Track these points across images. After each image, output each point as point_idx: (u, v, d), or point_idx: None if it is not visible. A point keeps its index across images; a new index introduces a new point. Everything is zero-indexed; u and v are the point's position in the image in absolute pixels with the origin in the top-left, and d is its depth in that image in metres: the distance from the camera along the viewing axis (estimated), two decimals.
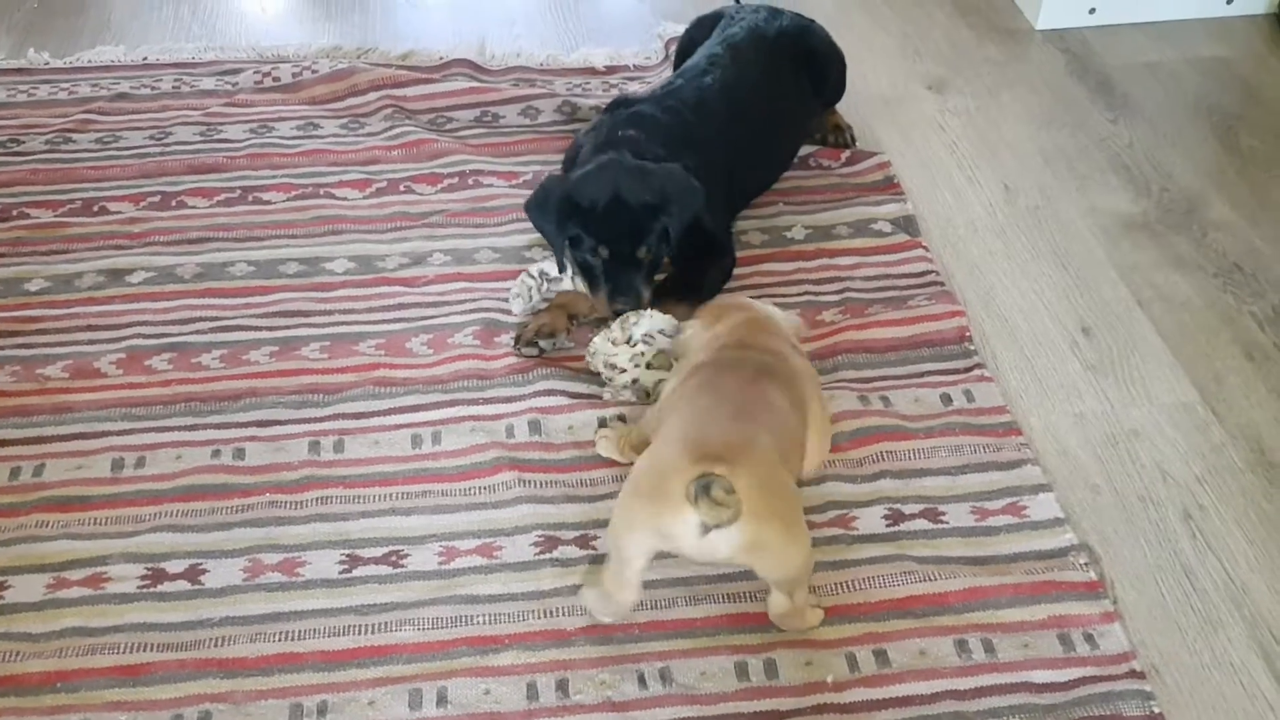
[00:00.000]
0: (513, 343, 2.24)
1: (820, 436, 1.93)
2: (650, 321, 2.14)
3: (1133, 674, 1.73)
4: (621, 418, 2.09)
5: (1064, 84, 3.03)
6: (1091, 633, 1.78)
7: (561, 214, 2.21)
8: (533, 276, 2.30)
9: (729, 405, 1.72)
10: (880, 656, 1.75)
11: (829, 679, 1.72)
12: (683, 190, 2.23)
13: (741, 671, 1.73)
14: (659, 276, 2.30)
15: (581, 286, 2.27)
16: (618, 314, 2.19)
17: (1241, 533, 1.96)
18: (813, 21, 2.72)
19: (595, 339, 2.16)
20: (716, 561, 1.68)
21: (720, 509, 1.52)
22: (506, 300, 2.32)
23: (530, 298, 2.30)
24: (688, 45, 2.73)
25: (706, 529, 1.56)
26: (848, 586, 1.84)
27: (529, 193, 2.53)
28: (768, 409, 1.75)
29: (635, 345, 2.12)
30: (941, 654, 1.76)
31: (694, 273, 2.34)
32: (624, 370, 2.12)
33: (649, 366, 2.11)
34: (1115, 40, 3.19)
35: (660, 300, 2.26)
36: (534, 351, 2.23)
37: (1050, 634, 1.78)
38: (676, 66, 2.75)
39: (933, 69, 3.09)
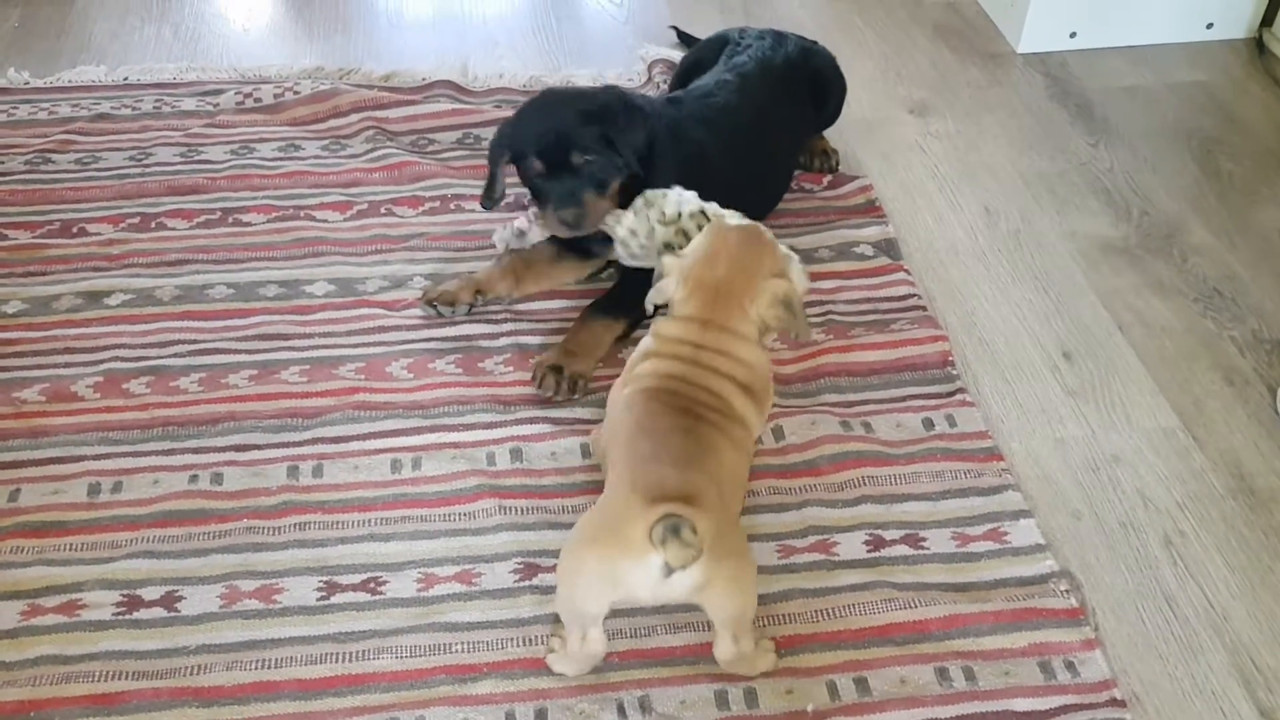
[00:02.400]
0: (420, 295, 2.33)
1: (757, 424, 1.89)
2: (680, 200, 2.11)
3: (1113, 702, 1.73)
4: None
5: (1045, 108, 3.04)
6: (1073, 660, 1.78)
7: (501, 140, 2.28)
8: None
9: (670, 453, 1.66)
10: (861, 684, 1.75)
11: (810, 708, 1.72)
12: (623, 103, 2.27)
13: (721, 700, 1.73)
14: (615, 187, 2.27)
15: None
16: (564, 224, 2.21)
17: (1222, 559, 1.96)
18: (816, 44, 2.73)
19: (632, 218, 2.12)
20: (668, 603, 1.66)
21: (687, 549, 1.49)
22: (491, 324, 2.33)
23: (506, 246, 2.37)
24: (692, 67, 2.73)
25: (669, 571, 1.53)
26: (828, 614, 1.83)
27: (510, 216, 2.53)
28: (707, 456, 1.69)
29: (678, 221, 2.09)
30: (922, 682, 1.75)
31: (622, 291, 2.32)
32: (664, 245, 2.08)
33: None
34: (1096, 64, 3.20)
35: (588, 317, 2.27)
36: (431, 311, 2.31)
37: (1031, 662, 1.78)
38: (674, 87, 2.76)
39: (914, 92, 3.10)
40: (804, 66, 2.65)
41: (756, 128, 2.49)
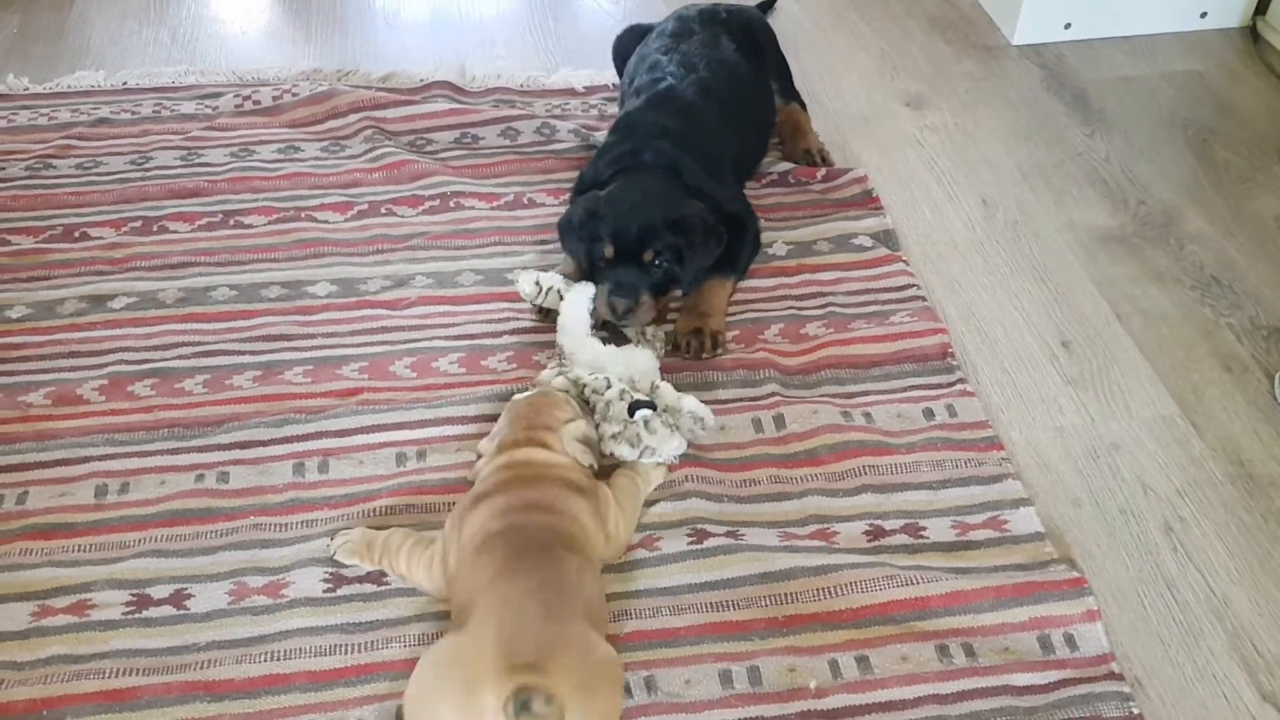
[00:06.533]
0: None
1: (621, 529, 1.88)
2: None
3: (1111, 675, 1.76)
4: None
5: (1041, 99, 3.05)
6: (1072, 634, 1.81)
7: (584, 223, 2.28)
8: (557, 292, 2.28)
9: (535, 598, 1.62)
10: (862, 662, 1.77)
11: (812, 685, 1.74)
12: (704, 224, 2.28)
13: (726, 679, 1.75)
14: (673, 307, 2.34)
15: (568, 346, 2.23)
16: (613, 311, 2.22)
17: (1222, 544, 1.97)
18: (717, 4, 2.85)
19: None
20: None
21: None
22: (493, 322, 2.35)
23: (536, 301, 2.32)
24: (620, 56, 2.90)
25: None
26: (829, 593, 1.85)
27: (510, 214, 2.55)
28: (571, 586, 1.67)
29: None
30: (923, 659, 1.77)
31: (729, 249, 2.37)
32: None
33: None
34: (1091, 55, 3.21)
35: (704, 279, 2.33)
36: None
37: (1030, 636, 1.80)
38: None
39: (911, 86, 3.11)
40: (725, 18, 2.77)
41: (718, 74, 2.58)
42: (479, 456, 1.95)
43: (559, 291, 2.28)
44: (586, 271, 2.32)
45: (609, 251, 2.24)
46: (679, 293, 2.35)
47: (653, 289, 2.25)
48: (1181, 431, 2.17)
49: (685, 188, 2.33)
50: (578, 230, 2.29)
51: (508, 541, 1.73)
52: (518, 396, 2.03)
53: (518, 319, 2.35)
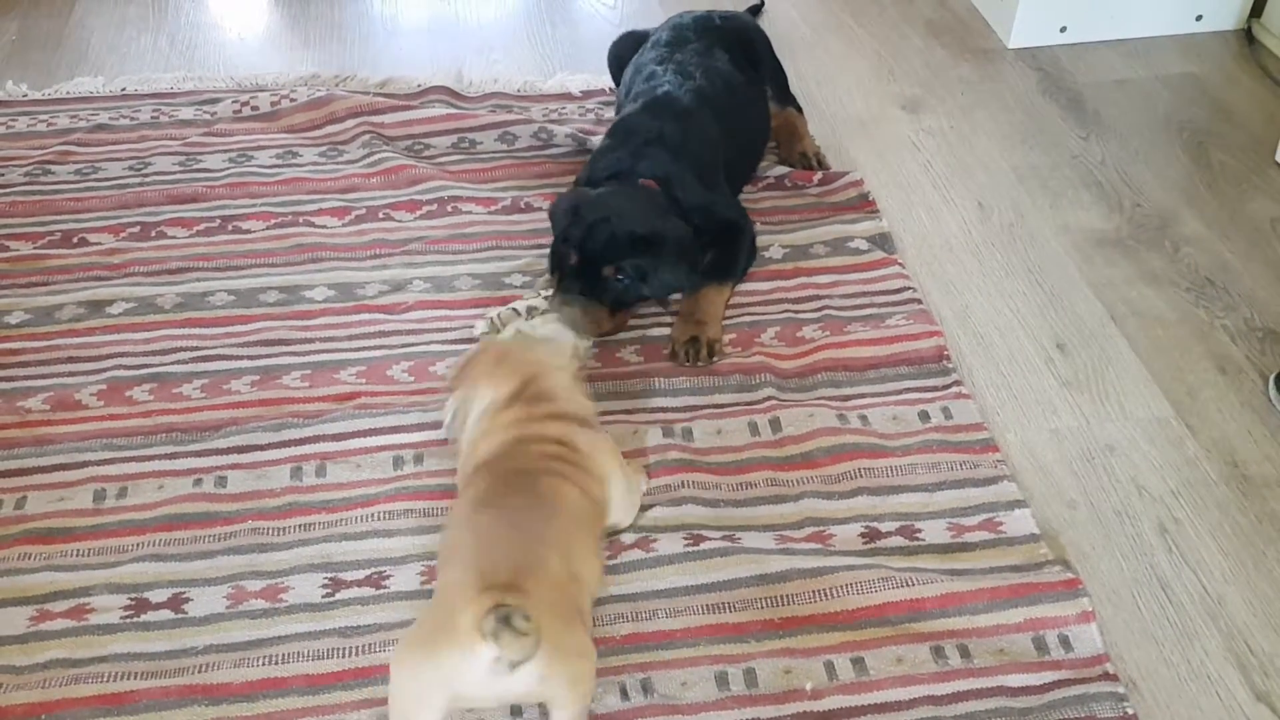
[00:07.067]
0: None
1: (626, 498, 1.88)
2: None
3: (1106, 676, 1.76)
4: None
5: (1036, 102, 3.06)
6: (1066, 635, 1.80)
7: (564, 216, 2.29)
8: (517, 312, 2.28)
9: (514, 527, 1.58)
10: (858, 664, 1.77)
11: (808, 687, 1.74)
12: (678, 243, 2.28)
13: (722, 681, 1.75)
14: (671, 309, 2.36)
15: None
16: (558, 314, 2.19)
17: (1216, 545, 1.98)
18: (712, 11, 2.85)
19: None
20: (504, 702, 1.58)
21: (523, 639, 1.37)
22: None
23: (498, 329, 2.28)
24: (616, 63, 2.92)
25: (509, 664, 1.40)
26: (825, 594, 1.85)
27: (507, 218, 2.56)
28: (555, 519, 1.63)
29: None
30: (918, 660, 1.78)
31: (725, 256, 2.40)
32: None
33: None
34: (1086, 58, 3.22)
35: (701, 284, 2.33)
36: None
37: (1025, 637, 1.80)
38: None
39: (907, 89, 3.12)
40: (718, 26, 2.77)
41: (712, 79, 2.59)
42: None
43: (511, 309, 2.28)
44: (554, 260, 2.34)
45: (573, 259, 2.25)
46: (642, 305, 2.36)
47: (611, 302, 2.26)
48: (1176, 433, 2.17)
49: (674, 200, 2.34)
50: (559, 219, 2.31)
51: (491, 469, 1.70)
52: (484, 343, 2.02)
53: (515, 321, 2.35)
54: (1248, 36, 3.30)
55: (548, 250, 2.37)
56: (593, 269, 2.24)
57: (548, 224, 2.50)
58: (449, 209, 2.65)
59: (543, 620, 1.41)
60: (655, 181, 2.35)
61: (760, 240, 2.52)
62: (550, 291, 2.30)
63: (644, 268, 2.24)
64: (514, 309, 2.28)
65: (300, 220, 2.62)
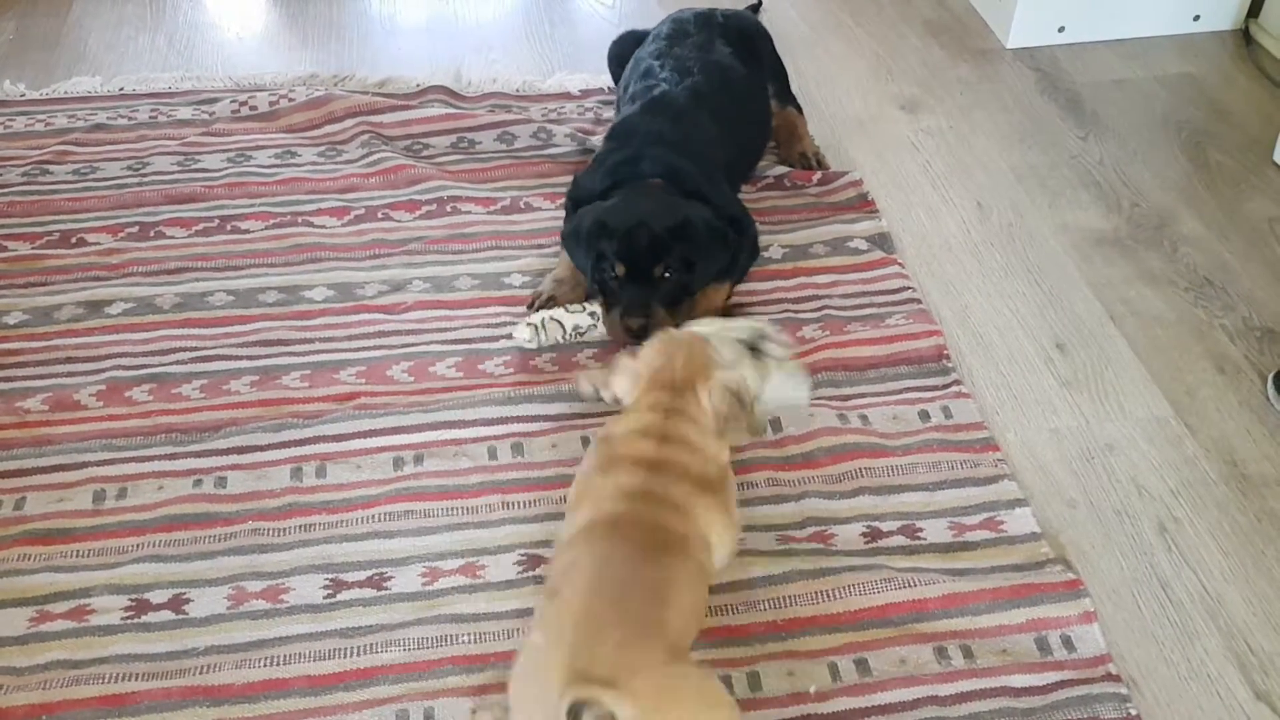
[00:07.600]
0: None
1: (724, 561, 1.76)
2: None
3: (1109, 676, 1.76)
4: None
5: (1035, 102, 3.07)
6: (1069, 635, 1.81)
7: (591, 237, 2.25)
8: (559, 323, 2.27)
9: (621, 602, 1.51)
10: (861, 665, 1.77)
11: (812, 689, 1.74)
12: (706, 225, 2.27)
13: (726, 684, 1.74)
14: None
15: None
16: (629, 331, 2.19)
17: (1216, 544, 1.98)
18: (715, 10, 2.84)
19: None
20: None
21: None
22: (490, 327, 2.35)
23: (541, 341, 2.27)
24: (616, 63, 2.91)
25: None
26: (827, 596, 1.85)
27: (506, 218, 2.55)
28: (664, 591, 1.55)
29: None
30: (921, 661, 1.78)
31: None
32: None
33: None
34: (1085, 58, 3.22)
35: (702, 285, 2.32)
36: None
37: (1028, 638, 1.81)
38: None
39: (905, 89, 3.12)
40: (722, 23, 2.77)
41: (711, 77, 2.59)
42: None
43: (557, 321, 2.27)
44: (590, 284, 2.32)
45: (620, 270, 2.23)
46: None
47: (665, 303, 2.24)
48: (1175, 432, 2.18)
49: (685, 193, 2.33)
50: (585, 243, 2.27)
51: (618, 532, 1.61)
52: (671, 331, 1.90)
53: (514, 323, 2.35)
54: (1245, 37, 3.30)
55: (547, 250, 2.37)
56: (642, 274, 2.23)
57: (547, 224, 2.52)
58: (448, 209, 2.64)
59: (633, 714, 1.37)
60: (659, 179, 2.35)
61: (760, 240, 2.52)
62: (595, 307, 2.28)
63: (689, 256, 2.24)
64: (558, 320, 2.27)
65: (299, 220, 2.62)
